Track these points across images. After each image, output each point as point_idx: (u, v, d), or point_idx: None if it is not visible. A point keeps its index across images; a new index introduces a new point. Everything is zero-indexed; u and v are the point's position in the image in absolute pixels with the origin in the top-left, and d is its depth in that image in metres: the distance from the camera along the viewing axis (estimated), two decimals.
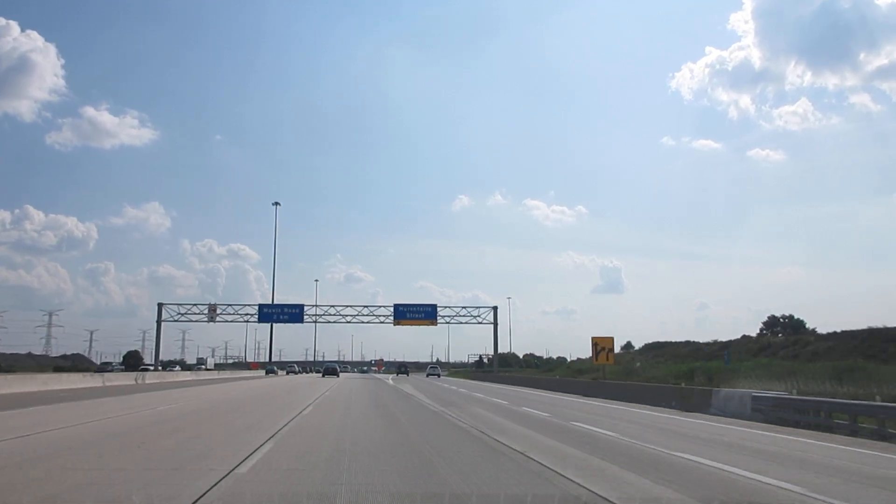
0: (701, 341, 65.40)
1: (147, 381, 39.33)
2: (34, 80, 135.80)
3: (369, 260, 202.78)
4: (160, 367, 67.60)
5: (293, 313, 65.64)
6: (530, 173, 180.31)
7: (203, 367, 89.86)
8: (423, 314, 66.73)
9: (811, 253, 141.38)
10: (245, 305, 66.36)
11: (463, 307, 68.55)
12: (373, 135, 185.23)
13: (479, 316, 68.36)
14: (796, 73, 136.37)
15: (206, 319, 65.01)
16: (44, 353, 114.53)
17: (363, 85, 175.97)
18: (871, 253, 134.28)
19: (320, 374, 70.14)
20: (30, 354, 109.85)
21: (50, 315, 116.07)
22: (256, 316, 65.47)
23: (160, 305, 65.16)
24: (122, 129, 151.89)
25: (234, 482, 6.66)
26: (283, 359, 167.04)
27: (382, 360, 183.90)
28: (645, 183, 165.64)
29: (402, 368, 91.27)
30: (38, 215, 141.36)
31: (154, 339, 67.45)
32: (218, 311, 65.16)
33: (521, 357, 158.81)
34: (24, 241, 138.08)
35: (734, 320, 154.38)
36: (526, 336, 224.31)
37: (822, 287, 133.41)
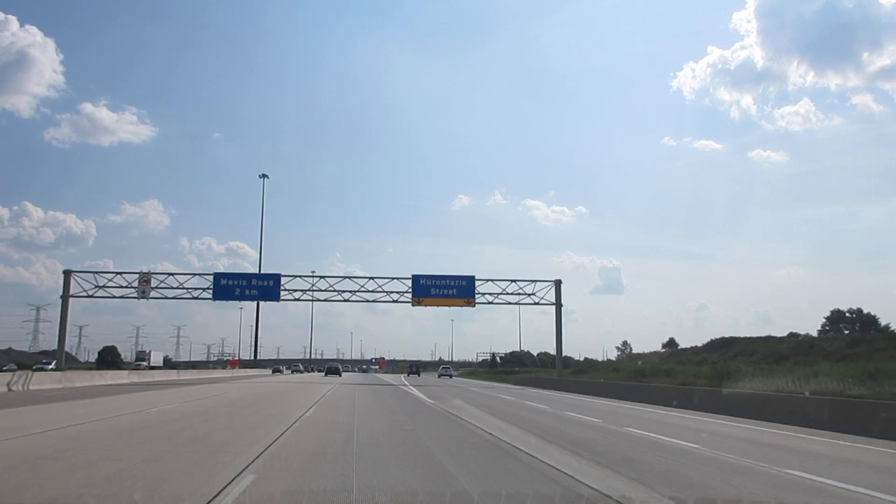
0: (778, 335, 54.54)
1: (35, 387, 27.64)
2: (32, 76, 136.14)
3: (368, 259, 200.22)
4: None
5: (265, 287, 44.53)
6: (530, 173, 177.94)
7: (144, 363, 67.98)
8: (454, 290, 45.64)
9: (812, 254, 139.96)
10: (193, 275, 45.30)
11: (512, 280, 47.48)
12: (372, 134, 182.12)
13: (533, 293, 47.31)
14: (798, 73, 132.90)
15: (135, 295, 43.84)
16: (30, 349, 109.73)
17: (363, 84, 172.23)
18: (872, 254, 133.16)
19: (323, 374, 70.97)
20: (9, 350, 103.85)
21: (38, 310, 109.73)
22: (211, 290, 44.37)
23: (67, 274, 43.98)
24: (121, 125, 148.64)
25: None
26: (282, 356, 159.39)
27: (384, 358, 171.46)
28: (645, 183, 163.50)
29: (413, 368, 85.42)
30: (36, 212, 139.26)
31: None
32: (153, 284, 44.00)
33: (535, 355, 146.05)
34: (23, 238, 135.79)
35: (733, 321, 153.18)
36: (525, 336, 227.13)
37: (822, 288, 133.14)
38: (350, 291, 45.87)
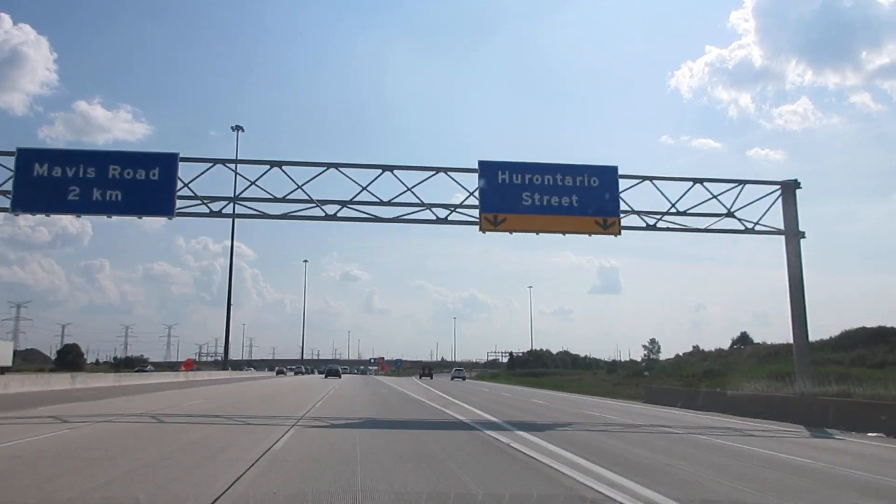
0: None
1: None
2: (26, 74, 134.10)
3: (364, 258, 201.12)
4: None
5: (140, 184, 18.77)
6: None
7: None
8: (575, 198, 20.03)
9: (810, 254, 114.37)
10: None
11: (696, 180, 21.42)
12: (370, 131, 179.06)
13: (737, 207, 21.51)
14: (797, 72, 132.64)
15: None
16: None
17: (360, 81, 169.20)
18: (871, 254, 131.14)
19: (323, 376, 68.98)
20: None
21: (18, 307, 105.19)
22: (11, 192, 18.54)
23: None
24: (116, 123, 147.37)
25: None
26: (277, 356, 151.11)
27: (384, 358, 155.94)
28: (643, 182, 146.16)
29: (426, 370, 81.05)
30: None
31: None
32: None
33: (554, 354, 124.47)
34: (18, 237, 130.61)
35: (731, 322, 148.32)
36: (523, 335, 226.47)
37: (819, 288, 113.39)
38: (340, 203, 19.90)
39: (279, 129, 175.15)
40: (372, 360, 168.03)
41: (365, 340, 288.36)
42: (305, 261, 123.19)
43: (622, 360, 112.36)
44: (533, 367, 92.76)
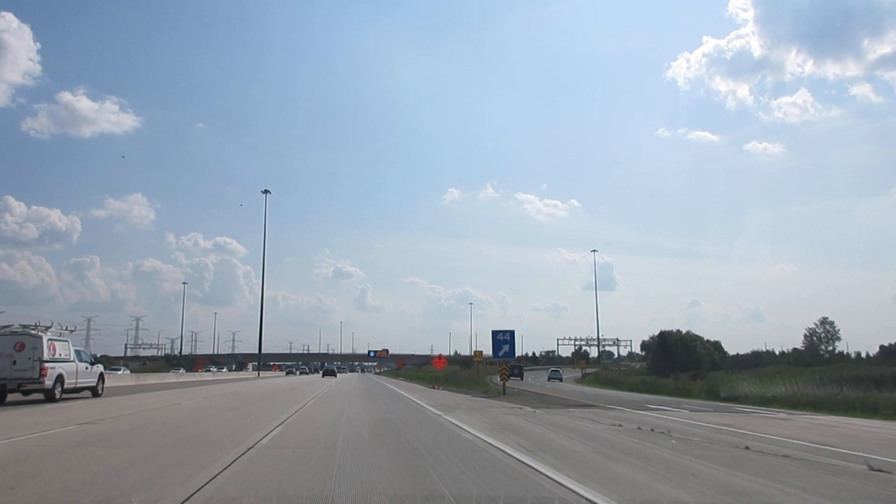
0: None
1: None
2: (7, 63, 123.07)
3: (358, 255, 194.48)
4: None
5: None
6: (522, 166, 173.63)
7: None
8: None
9: (806, 250, 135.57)
10: None
11: None
12: (363, 130, 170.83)
13: None
14: (797, 62, 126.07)
15: None
16: None
17: (353, 77, 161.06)
18: (868, 250, 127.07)
19: (320, 374, 71.79)
20: None
21: None
22: None
23: None
24: (102, 115, 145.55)
25: None
26: (264, 352, 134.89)
27: (387, 351, 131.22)
28: (639, 176, 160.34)
29: (515, 369, 57.81)
30: (19, 207, 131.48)
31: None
32: None
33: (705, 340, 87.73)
34: (5, 233, 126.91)
35: (725, 318, 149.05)
36: (519, 331, 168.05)
37: (814, 285, 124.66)
38: None
39: (267, 121, 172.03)
40: (371, 354, 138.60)
41: (359, 335, 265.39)
42: (266, 191, 73.15)
43: (768, 350, 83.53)
44: (688, 362, 61.40)
